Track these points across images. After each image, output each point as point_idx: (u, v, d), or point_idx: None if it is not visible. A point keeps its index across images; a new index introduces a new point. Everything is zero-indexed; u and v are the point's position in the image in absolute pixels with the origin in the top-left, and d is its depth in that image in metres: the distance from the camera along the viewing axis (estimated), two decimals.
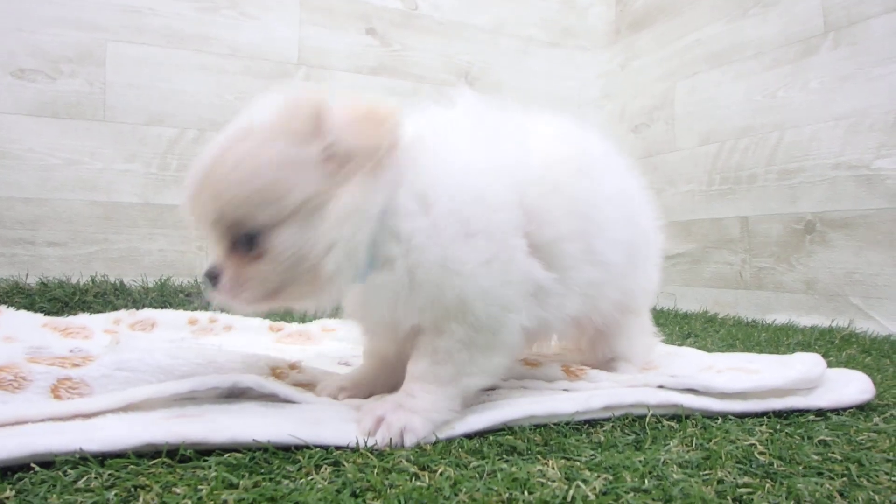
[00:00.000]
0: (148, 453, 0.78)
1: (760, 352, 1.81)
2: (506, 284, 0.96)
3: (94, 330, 1.54)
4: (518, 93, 3.45)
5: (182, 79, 2.74)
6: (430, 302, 0.93)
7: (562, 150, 1.14)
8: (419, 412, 0.91)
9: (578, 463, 0.82)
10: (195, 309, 1.88)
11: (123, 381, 0.93)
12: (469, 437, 0.91)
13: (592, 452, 0.86)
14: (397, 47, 3.18)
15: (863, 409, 1.18)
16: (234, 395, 0.96)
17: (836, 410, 1.15)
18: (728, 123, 2.87)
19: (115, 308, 2.23)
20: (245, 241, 0.88)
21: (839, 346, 1.94)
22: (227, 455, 0.78)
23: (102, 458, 0.76)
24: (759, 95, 2.73)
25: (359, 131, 0.89)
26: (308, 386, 1.08)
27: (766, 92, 2.69)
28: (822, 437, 0.97)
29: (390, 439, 0.87)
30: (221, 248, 0.91)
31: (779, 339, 2.07)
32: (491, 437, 0.91)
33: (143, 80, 2.67)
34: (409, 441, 0.87)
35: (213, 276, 0.91)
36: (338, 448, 0.84)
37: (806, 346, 1.95)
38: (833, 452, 0.91)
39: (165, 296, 2.47)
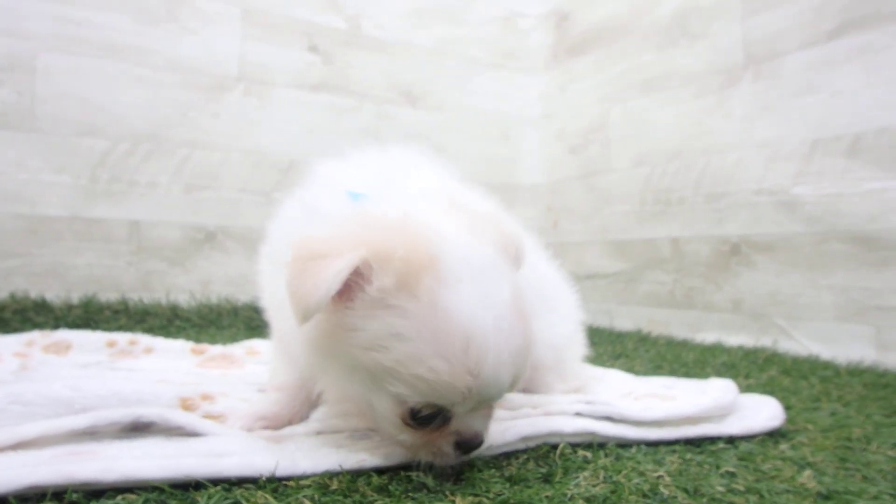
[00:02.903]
0: (33, 496, 0.73)
1: (686, 373, 1.84)
2: None
3: (3, 353, 1.47)
4: (460, 112, 3.47)
5: (117, 91, 2.67)
6: None
7: None
8: None
9: (486, 499, 0.82)
10: None
11: (17, 416, 0.89)
12: (379, 471, 0.90)
13: (501, 488, 0.86)
14: (340, 65, 3.16)
15: (773, 435, 1.20)
16: (138, 428, 0.92)
17: (747, 437, 1.17)
18: (659, 147, 2.94)
19: (35, 325, 2.16)
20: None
21: (761, 367, 1.99)
22: (119, 497, 0.75)
23: None
24: (686, 122, 2.80)
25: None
26: (220, 417, 1.06)
27: (693, 119, 2.77)
28: (728, 467, 0.99)
29: None
30: (483, 415, 0.91)
31: (705, 360, 2.11)
32: (402, 473, 0.89)
33: (75, 91, 2.59)
34: None
35: (480, 444, 0.91)
36: (240, 485, 0.82)
37: (730, 367, 1.99)
38: (737, 483, 0.92)
39: (90, 313, 2.40)
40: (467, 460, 0.93)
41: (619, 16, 3.20)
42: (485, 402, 0.86)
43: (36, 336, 1.66)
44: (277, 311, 1.06)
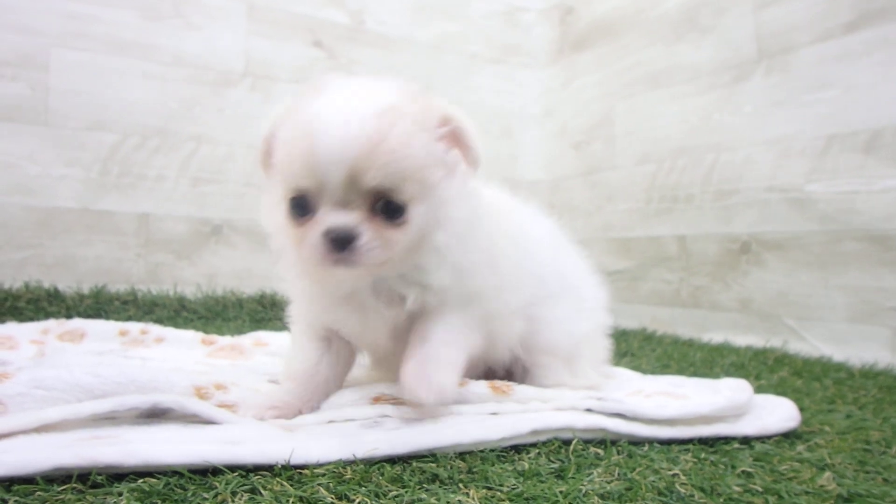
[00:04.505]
0: (58, 478, 0.75)
1: (694, 373, 1.83)
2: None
3: (20, 340, 1.50)
4: (462, 108, 3.45)
5: (125, 86, 2.70)
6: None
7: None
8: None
9: (500, 493, 0.82)
10: None
11: (40, 400, 0.91)
12: (392, 462, 0.90)
13: (515, 482, 0.86)
14: (343, 61, 3.17)
15: (788, 436, 1.19)
16: (156, 415, 0.94)
17: (762, 438, 1.16)
18: (665, 144, 2.92)
19: (48, 315, 2.18)
20: (387, 209, 0.98)
21: (771, 368, 1.97)
22: (140, 480, 0.76)
23: (9, 483, 0.73)
24: (694, 118, 2.78)
25: (476, 141, 1.13)
26: (233, 406, 1.06)
27: (702, 114, 2.74)
28: (744, 468, 0.98)
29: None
30: (355, 213, 0.96)
31: (713, 360, 2.10)
32: (414, 464, 0.90)
33: (85, 86, 2.63)
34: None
35: (349, 236, 0.95)
36: (256, 472, 0.82)
37: (740, 367, 1.98)
38: (754, 483, 0.91)
39: (101, 303, 2.43)
40: (347, 261, 0.96)
41: (625, 9, 3.17)
42: (332, 188, 0.95)
43: (51, 324, 1.69)
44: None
